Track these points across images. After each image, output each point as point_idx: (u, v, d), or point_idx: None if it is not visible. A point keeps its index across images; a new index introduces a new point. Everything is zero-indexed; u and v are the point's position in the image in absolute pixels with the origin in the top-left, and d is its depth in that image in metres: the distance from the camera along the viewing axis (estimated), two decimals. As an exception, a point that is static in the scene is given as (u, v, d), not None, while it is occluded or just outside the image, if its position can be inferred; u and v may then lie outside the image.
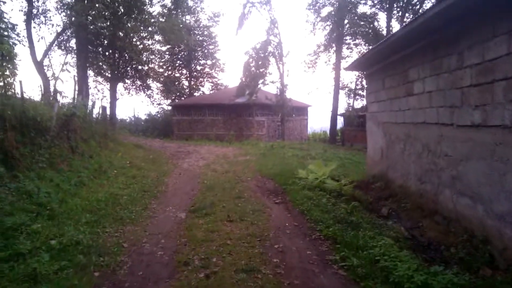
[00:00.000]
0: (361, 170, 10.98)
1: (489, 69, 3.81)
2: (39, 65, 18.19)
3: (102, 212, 5.59)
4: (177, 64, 37.60)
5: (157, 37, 28.48)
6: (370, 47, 21.56)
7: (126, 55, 22.42)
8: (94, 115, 13.65)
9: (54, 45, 20.03)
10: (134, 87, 29.63)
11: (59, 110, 8.44)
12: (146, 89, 30.40)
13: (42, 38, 23.34)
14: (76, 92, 12.82)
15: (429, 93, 5.24)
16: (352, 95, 25.76)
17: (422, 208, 5.40)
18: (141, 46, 23.10)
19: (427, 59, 5.31)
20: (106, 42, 21.67)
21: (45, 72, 18.28)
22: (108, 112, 26.54)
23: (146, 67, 26.23)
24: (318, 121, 39.98)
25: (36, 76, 20.59)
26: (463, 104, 4.33)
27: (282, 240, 4.39)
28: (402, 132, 6.32)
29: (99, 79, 27.14)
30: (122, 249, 4.41)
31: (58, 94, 11.14)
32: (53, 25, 19.66)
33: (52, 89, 12.28)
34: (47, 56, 19.29)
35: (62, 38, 22.47)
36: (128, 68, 25.58)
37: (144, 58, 25.83)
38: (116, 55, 24.16)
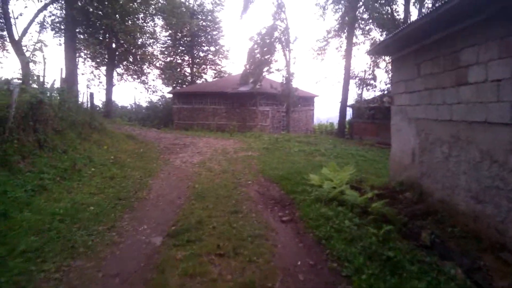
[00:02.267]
0: (379, 171, 9.59)
1: None
2: (17, 45, 16.47)
3: (51, 234, 4.21)
4: (179, 50, 36.10)
5: (157, 21, 26.83)
6: (386, 33, 19.92)
7: (119, 37, 20.81)
8: (78, 102, 12.30)
9: (35, 22, 18.39)
10: (128, 72, 28.15)
11: (23, 96, 7.10)
12: (140, 75, 28.85)
13: (20, 15, 21.62)
14: (61, 77, 11.43)
15: (497, 82, 3.80)
16: (363, 85, 24.06)
17: (479, 237, 4.02)
18: (133, 28, 21.40)
19: (493, 34, 3.84)
20: (97, 22, 20.02)
21: (24, 53, 15.88)
22: (104, 98, 25.23)
23: (140, 51, 24.61)
24: (325, 112, 38.55)
25: (15, 57, 18.54)
26: None
27: (294, 297, 3.01)
28: (447, 133, 4.89)
29: (93, 64, 25.68)
30: (56, 304, 3.09)
31: (31, 78, 9.77)
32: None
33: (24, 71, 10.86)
34: (26, 34, 17.43)
35: (46, 15, 20.85)
36: (122, 51, 24.04)
37: (140, 42, 24.22)
38: (114, 38, 22.63)
